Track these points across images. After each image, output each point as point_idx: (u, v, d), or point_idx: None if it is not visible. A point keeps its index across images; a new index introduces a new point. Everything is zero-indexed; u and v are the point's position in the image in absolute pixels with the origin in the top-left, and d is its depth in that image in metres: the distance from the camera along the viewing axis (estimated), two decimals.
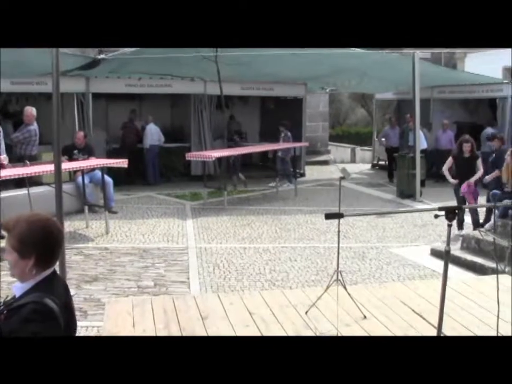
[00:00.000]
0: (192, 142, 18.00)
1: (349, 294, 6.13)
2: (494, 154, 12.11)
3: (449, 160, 11.39)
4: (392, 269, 9.22)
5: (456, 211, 3.59)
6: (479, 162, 11.37)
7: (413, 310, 6.15)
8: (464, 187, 10.72)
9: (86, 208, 11.83)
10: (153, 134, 17.27)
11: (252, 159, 20.66)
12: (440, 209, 3.65)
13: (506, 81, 19.41)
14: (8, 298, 2.81)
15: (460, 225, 10.85)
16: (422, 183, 16.04)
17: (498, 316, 3.97)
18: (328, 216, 4.40)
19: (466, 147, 11.14)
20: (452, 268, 9.16)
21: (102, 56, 16.36)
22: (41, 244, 2.76)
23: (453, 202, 10.74)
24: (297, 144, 17.87)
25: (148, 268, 9.04)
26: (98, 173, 12.27)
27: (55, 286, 2.86)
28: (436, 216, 3.67)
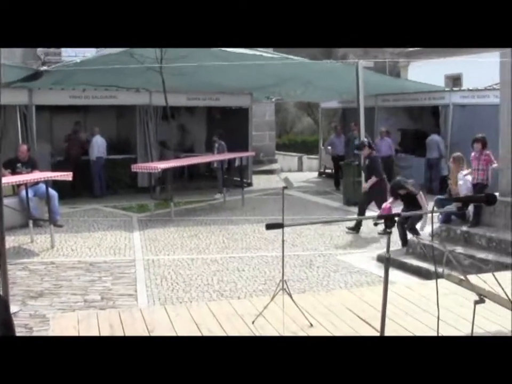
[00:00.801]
0: (138, 153, 17.89)
1: (294, 303, 6.17)
2: (367, 161, 12.81)
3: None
4: (339, 276, 9.30)
5: (395, 218, 3.66)
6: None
7: (359, 316, 6.21)
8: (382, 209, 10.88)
9: (31, 222, 11.63)
10: (99, 146, 17.11)
11: (199, 169, 20.63)
12: (379, 217, 3.72)
13: (447, 89, 19.84)
14: None
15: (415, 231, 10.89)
16: None
17: (438, 318, 4.06)
18: (269, 226, 4.43)
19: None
20: (398, 273, 9.36)
21: (44, 68, 16.18)
22: None
23: (395, 208, 10.88)
24: (243, 154, 17.94)
25: (94, 281, 8.93)
26: (42, 186, 12.11)
27: None
28: (375, 224, 3.74)
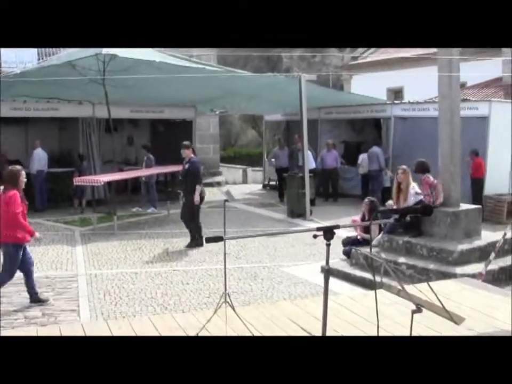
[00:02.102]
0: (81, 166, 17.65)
1: (237, 315, 6.17)
2: (186, 165, 12.27)
3: None
4: (284, 288, 9.35)
5: (334, 230, 3.71)
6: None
7: (302, 328, 6.24)
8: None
9: None
10: (40, 159, 16.81)
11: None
12: (318, 229, 3.76)
13: (389, 102, 20.20)
14: None
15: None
16: (312, 202, 16.39)
17: (378, 326, 4.12)
18: (209, 240, 4.44)
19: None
20: (342, 284, 9.45)
21: None
22: None
23: (342, 220, 11.02)
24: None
25: None
26: None
27: None
28: (315, 236, 3.78)
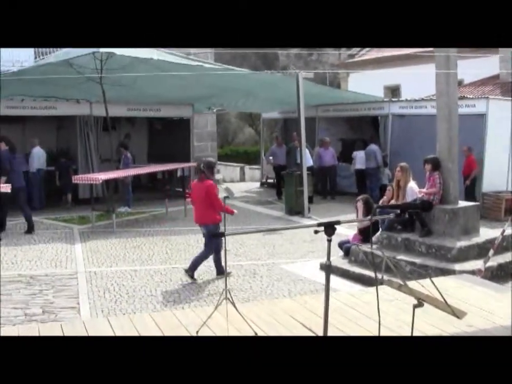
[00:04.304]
0: (79, 164, 17.68)
1: (238, 312, 6.19)
2: None
3: None
4: (283, 285, 9.37)
5: (335, 226, 3.73)
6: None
7: (302, 324, 6.27)
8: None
9: None
10: (39, 158, 16.83)
11: (140, 181, 20.49)
12: (319, 224, 3.78)
13: (386, 99, 20.22)
14: None
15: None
16: (310, 200, 16.40)
17: (379, 323, 4.14)
18: (212, 235, 4.45)
19: None
20: (341, 281, 9.47)
21: None
22: None
23: (340, 218, 11.01)
24: (185, 165, 17.89)
25: (35, 295, 8.80)
26: None
27: None
28: (316, 232, 3.80)
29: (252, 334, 5.96)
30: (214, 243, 9.40)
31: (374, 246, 10.05)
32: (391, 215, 8.58)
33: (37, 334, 6.02)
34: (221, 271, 9.54)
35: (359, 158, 18.02)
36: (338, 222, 3.82)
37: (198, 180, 9.64)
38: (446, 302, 3.46)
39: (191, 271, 9.51)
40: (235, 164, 28.30)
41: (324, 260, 10.35)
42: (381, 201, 11.42)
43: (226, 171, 26.63)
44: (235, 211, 9.51)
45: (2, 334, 6.29)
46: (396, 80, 26.66)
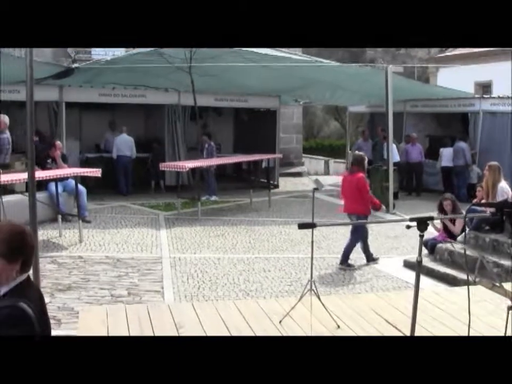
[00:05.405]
0: (166, 152, 17.97)
1: (322, 304, 6.18)
2: None
3: None
4: (365, 280, 9.29)
5: (428, 222, 3.65)
6: None
7: (386, 320, 6.21)
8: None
9: (60, 217, 11.74)
10: (122, 144, 17.12)
11: (225, 170, 20.66)
12: (411, 220, 3.71)
13: (477, 95, 19.69)
14: None
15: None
16: (395, 196, 16.18)
17: (469, 326, 4.04)
18: (301, 226, 4.45)
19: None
20: (425, 280, 9.30)
21: (75, 65, 16.33)
22: (25, 248, 2.81)
23: (425, 215, 10.80)
24: (271, 156, 17.95)
25: (121, 277, 9.02)
26: (71, 182, 12.23)
27: (30, 291, 2.87)
28: (408, 227, 3.74)
29: (335, 327, 5.94)
30: (359, 231, 9.97)
31: (461, 246, 9.83)
32: (487, 213, 8.35)
33: (124, 315, 6.17)
34: (371, 258, 10.21)
35: (446, 155, 17.62)
36: (431, 218, 3.75)
37: (350, 172, 10.29)
38: None
39: (344, 262, 9.93)
40: (320, 157, 28.15)
41: (407, 257, 10.29)
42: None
43: (310, 164, 26.52)
44: (382, 205, 9.64)
45: (91, 313, 6.48)
46: (487, 76, 25.92)
